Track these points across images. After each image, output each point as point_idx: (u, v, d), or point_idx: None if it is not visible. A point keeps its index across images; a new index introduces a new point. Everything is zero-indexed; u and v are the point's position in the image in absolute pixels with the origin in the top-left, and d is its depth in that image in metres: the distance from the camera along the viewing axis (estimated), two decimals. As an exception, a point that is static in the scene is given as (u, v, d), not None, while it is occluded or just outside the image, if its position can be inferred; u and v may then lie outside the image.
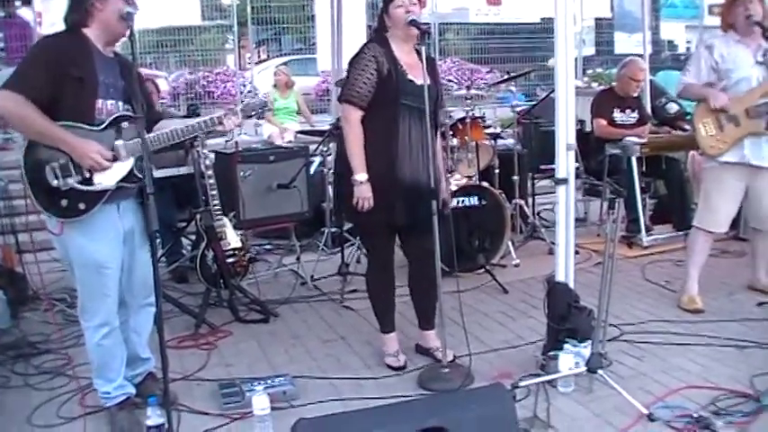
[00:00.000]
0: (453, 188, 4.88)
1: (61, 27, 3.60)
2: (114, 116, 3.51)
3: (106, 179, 3.50)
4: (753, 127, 4.91)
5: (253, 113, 3.90)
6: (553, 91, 4.32)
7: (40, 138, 3.40)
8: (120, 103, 3.55)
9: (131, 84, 3.45)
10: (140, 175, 3.53)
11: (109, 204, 3.57)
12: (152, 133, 3.63)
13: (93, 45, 3.51)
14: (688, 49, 21.56)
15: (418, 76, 4.15)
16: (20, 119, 3.37)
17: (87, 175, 3.46)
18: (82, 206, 3.47)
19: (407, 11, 4.10)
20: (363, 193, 4.11)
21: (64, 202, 3.46)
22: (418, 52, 4.19)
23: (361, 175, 4.11)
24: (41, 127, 3.36)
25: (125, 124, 3.32)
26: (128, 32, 3.41)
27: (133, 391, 3.92)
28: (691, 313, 5.15)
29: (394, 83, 4.10)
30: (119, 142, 3.51)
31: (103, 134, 3.49)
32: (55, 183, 3.44)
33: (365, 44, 4.25)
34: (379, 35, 4.30)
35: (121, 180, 3.53)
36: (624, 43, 16.88)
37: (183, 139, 3.70)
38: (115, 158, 3.50)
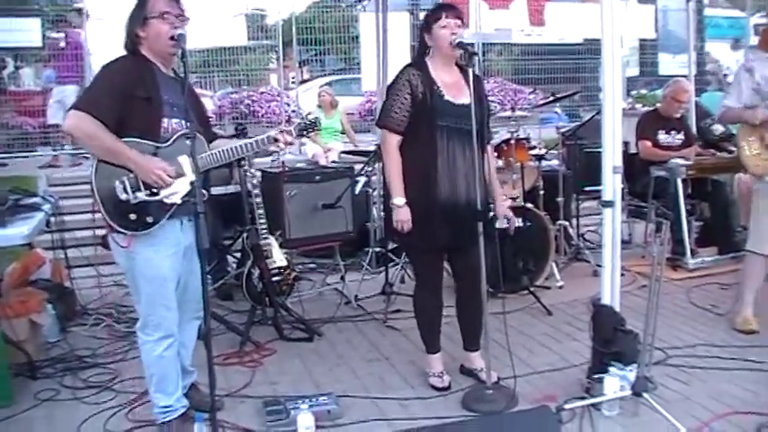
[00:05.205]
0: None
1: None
2: (179, 133, 3.63)
3: (172, 193, 3.60)
4: None
5: (305, 132, 3.88)
6: (598, 112, 4.32)
7: (108, 156, 3.51)
8: (183, 122, 3.65)
9: (188, 102, 3.52)
10: (203, 191, 3.55)
11: (173, 219, 3.67)
12: (211, 150, 3.74)
13: (154, 65, 3.65)
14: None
15: (459, 96, 4.17)
16: (89, 138, 3.49)
17: (155, 189, 3.57)
18: (149, 219, 3.58)
19: (453, 32, 4.12)
20: (401, 216, 4.14)
21: (133, 216, 3.56)
22: (463, 70, 4.21)
23: (398, 199, 4.15)
24: (109, 145, 3.48)
25: (188, 142, 3.41)
26: (179, 52, 3.48)
27: (188, 403, 3.97)
28: (745, 334, 5.10)
29: (429, 104, 4.11)
30: (182, 158, 3.61)
31: (169, 150, 3.61)
32: (124, 197, 3.53)
33: (402, 69, 4.27)
34: (418, 57, 4.33)
35: (186, 194, 3.60)
36: (668, 64, 16.75)
37: (241, 156, 3.81)
38: (179, 174, 3.61)
